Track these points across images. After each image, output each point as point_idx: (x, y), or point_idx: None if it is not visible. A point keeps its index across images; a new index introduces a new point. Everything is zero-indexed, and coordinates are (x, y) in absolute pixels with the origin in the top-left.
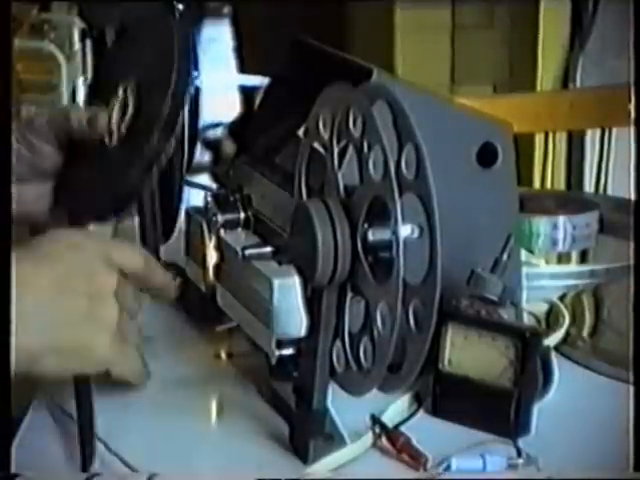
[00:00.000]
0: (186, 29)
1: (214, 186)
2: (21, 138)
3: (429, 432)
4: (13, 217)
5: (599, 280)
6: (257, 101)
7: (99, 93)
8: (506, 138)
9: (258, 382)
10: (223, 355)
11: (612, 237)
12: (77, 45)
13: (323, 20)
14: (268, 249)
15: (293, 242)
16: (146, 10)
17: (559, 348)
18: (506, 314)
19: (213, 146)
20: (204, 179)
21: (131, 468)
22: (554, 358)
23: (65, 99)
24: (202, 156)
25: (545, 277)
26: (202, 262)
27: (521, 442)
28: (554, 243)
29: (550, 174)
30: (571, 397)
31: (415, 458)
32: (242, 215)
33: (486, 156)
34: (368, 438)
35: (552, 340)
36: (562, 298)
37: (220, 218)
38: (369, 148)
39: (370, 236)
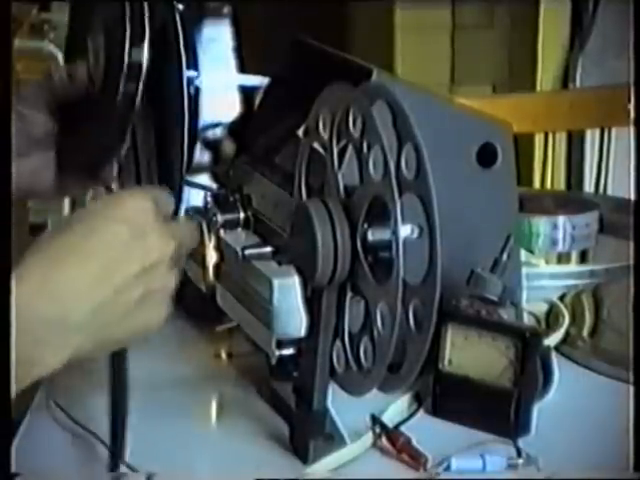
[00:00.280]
0: None
1: (214, 186)
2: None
3: (429, 432)
4: (14, 193)
5: (599, 280)
6: (257, 101)
7: (74, 52)
8: (506, 138)
9: (258, 382)
10: (223, 355)
11: (612, 237)
12: None
13: (323, 20)
14: (268, 249)
15: (293, 242)
16: None
17: (559, 348)
18: (506, 314)
19: (213, 146)
20: (204, 179)
21: (131, 468)
22: (554, 358)
23: None
24: (202, 156)
25: (545, 277)
26: (202, 262)
27: (521, 442)
28: (554, 243)
29: (550, 174)
30: (571, 397)
31: (415, 458)
32: (242, 215)
33: (486, 156)
34: (368, 438)
35: (552, 340)
36: (562, 298)
37: (220, 218)
38: (369, 148)
39: (370, 236)
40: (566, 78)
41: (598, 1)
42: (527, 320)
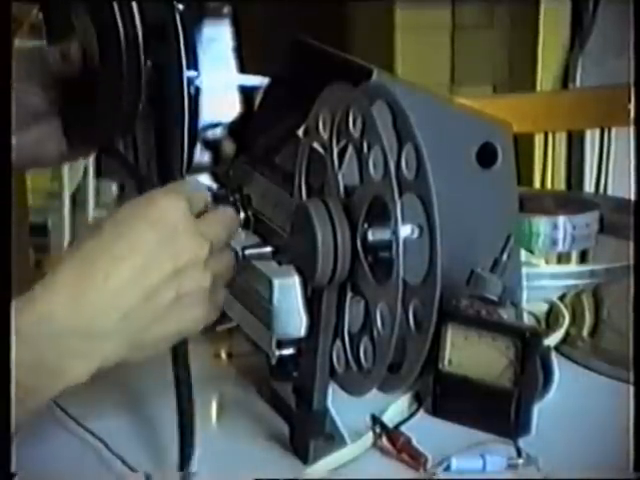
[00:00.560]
0: None
1: (214, 186)
2: None
3: (429, 432)
4: (21, 165)
5: (599, 280)
6: (257, 101)
7: (55, 34)
8: (506, 138)
9: (258, 382)
10: (223, 355)
11: (612, 237)
12: None
13: (323, 20)
14: (268, 249)
15: (293, 242)
16: None
17: (559, 348)
18: (506, 314)
19: (213, 146)
20: (204, 179)
21: (131, 468)
22: (554, 358)
23: None
24: (202, 156)
25: (545, 277)
26: None
27: (521, 442)
28: (554, 243)
29: (550, 174)
30: (571, 397)
31: (415, 458)
32: (242, 215)
33: (486, 156)
34: (368, 438)
35: (552, 340)
36: (562, 298)
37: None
38: (369, 148)
39: (370, 236)
40: (566, 78)
41: (598, 1)
42: (527, 320)
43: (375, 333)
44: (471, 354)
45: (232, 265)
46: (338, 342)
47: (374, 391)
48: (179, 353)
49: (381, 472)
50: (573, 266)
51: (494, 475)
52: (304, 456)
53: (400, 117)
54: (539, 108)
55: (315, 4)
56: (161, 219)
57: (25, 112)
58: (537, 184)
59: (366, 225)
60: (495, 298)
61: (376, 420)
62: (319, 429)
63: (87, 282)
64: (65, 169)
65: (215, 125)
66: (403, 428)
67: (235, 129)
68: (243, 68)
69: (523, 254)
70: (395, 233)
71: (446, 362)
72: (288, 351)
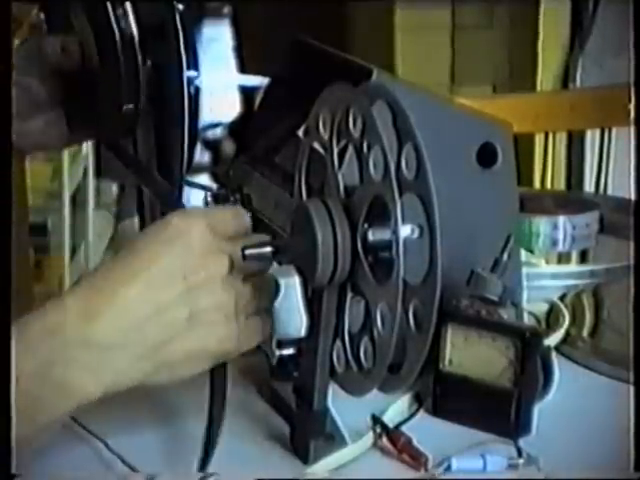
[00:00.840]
0: None
1: (214, 186)
2: None
3: (429, 432)
4: (26, 149)
5: (599, 280)
6: (257, 101)
7: (55, 27)
8: (506, 138)
9: (258, 382)
10: None
11: (612, 237)
12: None
13: (323, 20)
14: (268, 249)
15: (293, 242)
16: None
17: (559, 348)
18: (506, 314)
19: (213, 146)
20: (204, 179)
21: (131, 468)
22: (554, 358)
23: None
24: (202, 156)
25: (545, 277)
26: None
27: (521, 442)
28: (554, 243)
29: (550, 174)
30: (571, 397)
31: (415, 458)
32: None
33: (486, 156)
34: (369, 438)
35: (552, 340)
36: (562, 298)
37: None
38: (369, 148)
39: (370, 236)
40: (566, 78)
41: (598, 1)
42: (527, 320)
43: (375, 333)
44: (471, 354)
45: (267, 291)
46: (338, 342)
47: (374, 391)
48: (217, 374)
49: (381, 472)
50: (573, 266)
51: (494, 475)
52: (304, 456)
53: (400, 117)
54: (539, 108)
55: (315, 4)
56: (176, 237)
57: (25, 102)
58: (537, 184)
59: (366, 225)
60: (495, 298)
61: (376, 420)
62: (319, 429)
63: (97, 296)
64: (65, 169)
65: (215, 125)
66: (403, 428)
67: (235, 129)
68: (243, 68)
69: (523, 254)
70: (395, 233)
71: (446, 362)
72: (288, 351)
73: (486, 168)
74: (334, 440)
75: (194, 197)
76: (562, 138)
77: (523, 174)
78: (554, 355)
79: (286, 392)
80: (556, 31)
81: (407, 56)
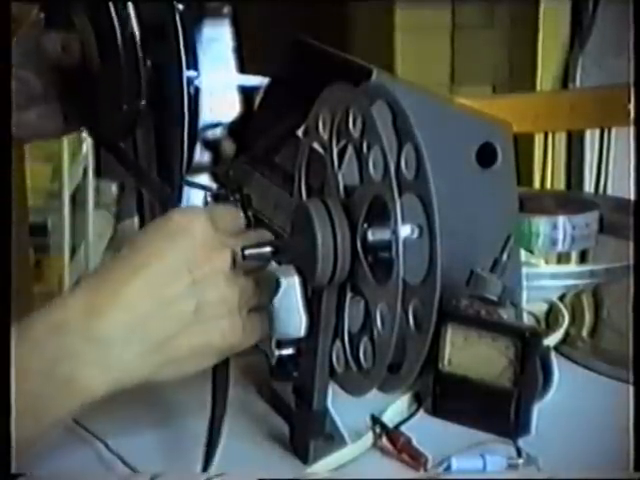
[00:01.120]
0: None
1: (214, 186)
2: None
3: (429, 432)
4: (24, 138)
5: (599, 280)
6: (257, 101)
7: (55, 24)
8: (506, 138)
9: (258, 382)
10: None
11: (612, 237)
12: None
13: (323, 20)
14: (268, 249)
15: (293, 242)
16: None
17: (559, 348)
18: (506, 314)
19: (213, 146)
20: (204, 179)
21: (132, 468)
22: (554, 358)
23: None
24: (202, 156)
25: (545, 277)
26: None
27: (521, 442)
28: (554, 243)
29: (550, 174)
30: (571, 397)
31: (415, 458)
32: (242, 215)
33: (486, 156)
34: (368, 438)
35: (552, 340)
36: (562, 298)
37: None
38: (369, 148)
39: (370, 236)
40: (566, 78)
41: (598, 1)
42: (527, 320)
43: (375, 333)
44: (471, 354)
45: (268, 286)
46: (338, 342)
47: (374, 391)
48: (219, 372)
49: (381, 472)
50: (573, 266)
51: (494, 475)
52: (304, 456)
53: (400, 117)
54: (539, 108)
55: (315, 4)
56: (179, 231)
57: (22, 94)
58: (537, 184)
59: (366, 225)
60: (495, 298)
61: (376, 420)
62: (319, 429)
63: (101, 292)
64: (65, 169)
65: (215, 125)
66: (403, 428)
67: (235, 129)
68: (243, 68)
69: (523, 254)
70: (395, 233)
71: (446, 362)
72: (288, 351)
73: (486, 168)
74: (334, 440)
75: (194, 197)
76: (562, 138)
77: (523, 174)
78: (554, 355)
79: (286, 392)
80: (556, 31)
81: (407, 56)
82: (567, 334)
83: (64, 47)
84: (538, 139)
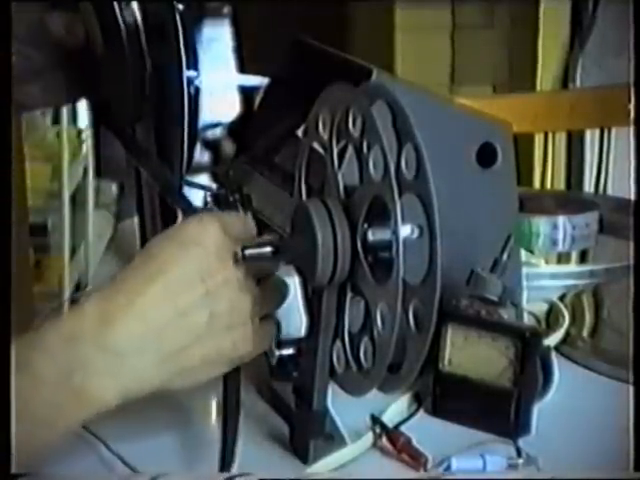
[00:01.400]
0: None
1: (214, 186)
2: None
3: (429, 432)
4: (30, 107)
5: (599, 280)
6: (257, 101)
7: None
8: (506, 138)
9: (258, 382)
10: None
11: (612, 237)
12: None
13: (323, 20)
14: (268, 249)
15: (293, 242)
16: None
17: (559, 348)
18: (506, 314)
19: (213, 146)
20: (204, 179)
21: (132, 469)
22: (554, 358)
23: None
24: (202, 156)
25: (545, 277)
26: None
27: (521, 442)
28: (554, 243)
29: (550, 174)
30: (571, 397)
31: (415, 458)
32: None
33: (486, 156)
34: (368, 438)
35: (552, 340)
36: (562, 298)
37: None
38: (369, 148)
39: (370, 236)
40: (566, 78)
41: (598, 1)
42: (527, 320)
43: (375, 333)
44: (471, 354)
45: (279, 294)
46: (338, 342)
47: (374, 391)
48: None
49: (381, 472)
50: (573, 266)
51: (494, 475)
52: (304, 456)
53: (400, 117)
54: (539, 108)
55: (315, 4)
56: (192, 240)
57: (24, 69)
58: (537, 184)
59: (366, 225)
60: (495, 298)
61: (376, 420)
62: (319, 429)
63: (115, 302)
64: (65, 169)
65: (215, 125)
66: (403, 428)
67: (235, 129)
68: (243, 68)
69: (523, 254)
70: (395, 233)
71: (446, 362)
72: (288, 351)
73: (486, 168)
74: (334, 440)
75: (194, 197)
76: (562, 138)
77: (523, 174)
78: (554, 355)
79: (286, 392)
80: (556, 31)
81: (407, 56)
82: (567, 334)
83: (68, 29)
84: (538, 139)
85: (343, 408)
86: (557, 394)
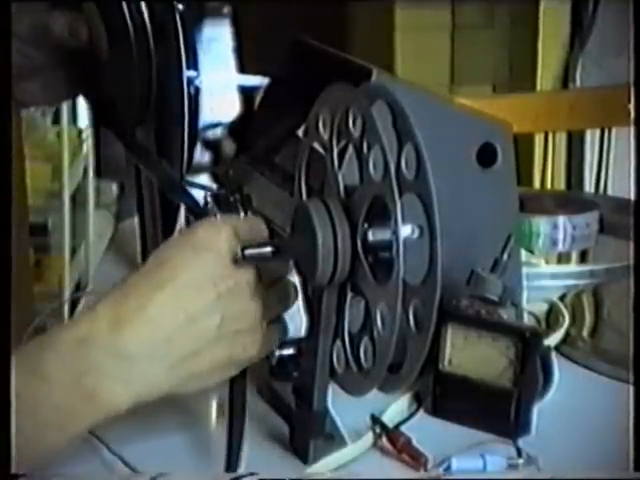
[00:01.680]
0: None
1: (214, 186)
2: None
3: (429, 432)
4: (30, 104)
5: (599, 280)
6: (257, 101)
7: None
8: (506, 138)
9: (258, 382)
10: None
11: (612, 237)
12: None
13: (323, 20)
14: (268, 249)
15: (293, 242)
16: None
17: (559, 348)
18: (506, 314)
19: (213, 146)
20: (204, 179)
21: (132, 469)
22: (554, 358)
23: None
24: (202, 156)
25: (545, 277)
26: None
27: (521, 442)
28: (554, 243)
29: (550, 174)
30: (571, 397)
31: (415, 458)
32: (242, 215)
33: (486, 156)
34: (368, 438)
35: (552, 340)
36: (562, 298)
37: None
38: (369, 148)
39: (370, 236)
40: (566, 78)
41: (598, 1)
42: (527, 320)
43: (375, 333)
44: (471, 354)
45: (288, 297)
46: (338, 342)
47: (374, 391)
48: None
49: (381, 472)
50: (573, 266)
51: (494, 475)
52: (304, 456)
53: (400, 117)
54: (539, 108)
55: (315, 4)
56: (203, 244)
57: (24, 67)
58: (537, 184)
59: (366, 225)
60: (495, 298)
61: (376, 420)
62: (319, 429)
63: (127, 306)
64: (65, 169)
65: (215, 125)
66: (403, 428)
67: (235, 129)
68: (243, 68)
69: (523, 254)
70: (395, 233)
71: (446, 362)
72: (288, 351)
73: (486, 168)
74: (334, 440)
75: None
76: (562, 138)
77: (523, 174)
78: (554, 355)
79: (286, 392)
80: (556, 31)
81: (407, 56)
82: (567, 334)
83: (71, 29)
84: (538, 139)
85: (343, 408)
86: (557, 394)
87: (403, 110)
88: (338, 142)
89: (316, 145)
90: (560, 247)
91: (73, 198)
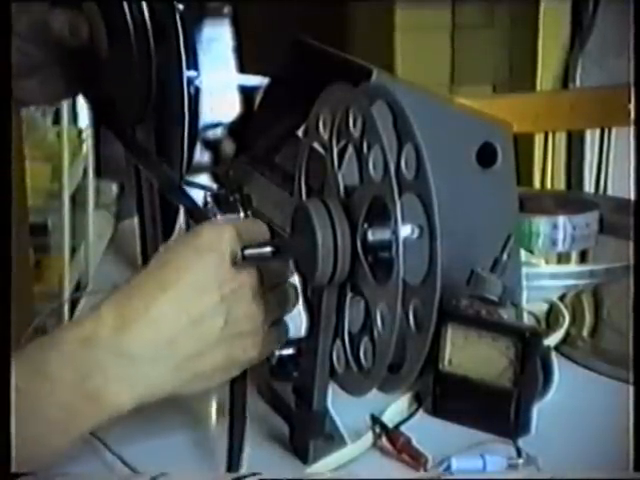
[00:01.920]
0: None
1: (214, 186)
2: None
3: (429, 432)
4: (28, 102)
5: (599, 280)
6: (257, 101)
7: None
8: (506, 138)
9: (258, 382)
10: None
11: (612, 237)
12: None
13: (323, 20)
14: (268, 249)
15: (293, 242)
16: None
17: (559, 348)
18: (506, 314)
19: (213, 146)
20: (204, 179)
21: (132, 469)
22: (554, 358)
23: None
24: (202, 156)
25: (545, 277)
26: None
27: (521, 442)
28: (554, 243)
29: (550, 174)
30: (571, 397)
31: (415, 458)
32: (242, 215)
33: (486, 156)
34: (368, 438)
35: (552, 340)
36: (562, 298)
37: (220, 218)
38: (369, 148)
39: (370, 236)
40: (566, 78)
41: (598, 1)
42: (527, 320)
43: (375, 333)
44: (471, 354)
45: (290, 299)
46: (338, 342)
47: (374, 391)
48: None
49: (381, 472)
50: (573, 266)
51: (494, 475)
52: (304, 456)
53: (400, 117)
54: (539, 108)
55: (315, 4)
56: (207, 247)
57: (23, 64)
58: (537, 184)
59: (366, 225)
60: (495, 298)
61: (376, 420)
62: (319, 429)
63: (130, 307)
64: (65, 169)
65: (215, 125)
66: (403, 428)
67: (235, 129)
68: (243, 68)
69: (523, 254)
70: (395, 233)
71: (446, 362)
72: (288, 351)
73: (486, 168)
74: (333, 440)
75: (194, 197)
76: (562, 138)
77: (523, 174)
78: (554, 355)
79: (286, 392)
80: (556, 31)
81: (407, 56)
82: (567, 334)
83: (71, 29)
84: (538, 139)
85: (343, 408)
86: (557, 394)
87: (403, 110)
88: (338, 142)
89: (316, 145)
90: (560, 247)
91: (73, 198)
